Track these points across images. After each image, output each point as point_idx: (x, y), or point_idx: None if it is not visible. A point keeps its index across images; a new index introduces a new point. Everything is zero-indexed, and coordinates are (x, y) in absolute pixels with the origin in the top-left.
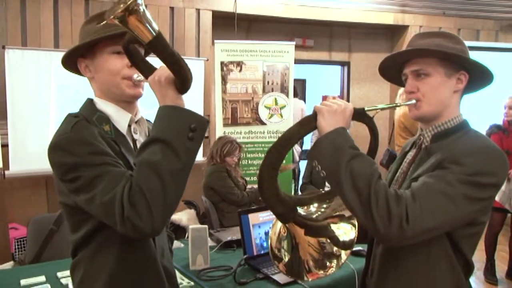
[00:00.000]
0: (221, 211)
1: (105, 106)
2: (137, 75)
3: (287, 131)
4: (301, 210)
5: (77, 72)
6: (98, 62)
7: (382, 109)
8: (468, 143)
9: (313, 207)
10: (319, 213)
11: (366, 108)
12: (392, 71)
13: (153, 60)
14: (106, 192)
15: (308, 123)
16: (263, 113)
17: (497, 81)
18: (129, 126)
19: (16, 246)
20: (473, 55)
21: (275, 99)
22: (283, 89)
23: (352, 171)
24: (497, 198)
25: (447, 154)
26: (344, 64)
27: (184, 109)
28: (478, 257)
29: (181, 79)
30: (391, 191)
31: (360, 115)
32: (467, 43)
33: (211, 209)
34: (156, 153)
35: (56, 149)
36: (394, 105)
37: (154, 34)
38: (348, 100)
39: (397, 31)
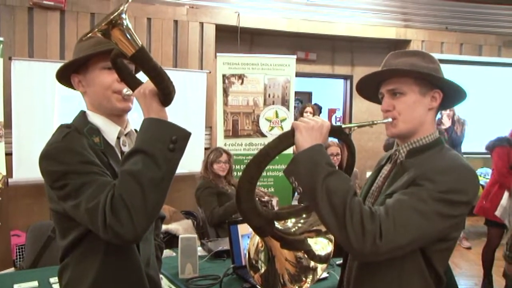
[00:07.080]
0: None
1: (96, 119)
2: (126, 89)
3: (265, 146)
4: (278, 225)
5: (71, 86)
6: (90, 77)
7: (359, 126)
8: (441, 160)
9: (290, 222)
10: (296, 228)
11: (343, 126)
12: (369, 90)
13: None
14: (91, 199)
15: (286, 139)
16: (264, 126)
17: (500, 95)
18: (118, 138)
19: (18, 253)
20: (476, 70)
21: (276, 111)
22: (284, 102)
23: (328, 188)
24: (497, 213)
25: (420, 171)
26: (347, 77)
27: (166, 121)
28: (476, 272)
29: (163, 92)
30: (365, 208)
31: (337, 132)
32: (470, 57)
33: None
34: (137, 163)
35: (46, 158)
36: (371, 123)
37: (137, 47)
38: (350, 114)
39: (399, 45)
